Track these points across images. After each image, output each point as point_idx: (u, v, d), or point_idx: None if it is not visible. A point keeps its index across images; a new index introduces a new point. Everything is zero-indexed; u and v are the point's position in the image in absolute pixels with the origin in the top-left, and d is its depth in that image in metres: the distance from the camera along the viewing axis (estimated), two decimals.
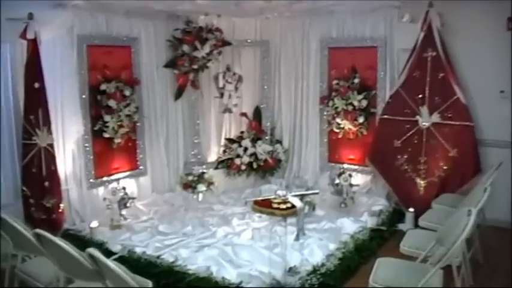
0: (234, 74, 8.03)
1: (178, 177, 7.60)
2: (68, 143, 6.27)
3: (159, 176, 7.56)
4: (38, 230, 3.50)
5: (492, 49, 6.25)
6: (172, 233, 6.12)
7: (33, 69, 5.52)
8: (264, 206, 4.71)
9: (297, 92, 8.00)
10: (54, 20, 5.91)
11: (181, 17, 7.40)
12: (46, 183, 5.67)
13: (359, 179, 7.29)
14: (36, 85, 5.53)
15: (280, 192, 4.69)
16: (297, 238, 4.70)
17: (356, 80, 7.24)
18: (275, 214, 4.59)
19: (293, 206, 4.58)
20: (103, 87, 6.57)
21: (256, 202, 4.81)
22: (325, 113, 7.62)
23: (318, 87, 7.68)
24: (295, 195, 4.74)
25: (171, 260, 5.29)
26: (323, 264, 5.14)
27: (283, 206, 4.56)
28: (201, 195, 7.32)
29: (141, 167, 7.28)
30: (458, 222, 3.78)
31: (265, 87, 8.23)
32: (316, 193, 5.55)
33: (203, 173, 7.49)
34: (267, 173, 8.05)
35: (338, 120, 7.45)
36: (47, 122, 5.67)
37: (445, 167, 6.43)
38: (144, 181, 7.36)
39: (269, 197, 4.77)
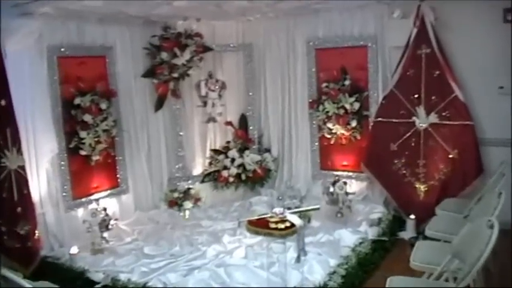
0: (217, 80, 7.67)
1: (163, 193, 7.20)
2: (41, 162, 5.84)
3: (142, 193, 7.20)
4: (3, 272, 3.05)
5: (489, 43, 5.97)
6: (159, 254, 5.74)
7: None
8: (260, 225, 4.33)
9: (284, 97, 7.66)
10: (21, 30, 5.45)
11: (158, 22, 7.03)
12: (19, 209, 5.21)
13: (354, 186, 6.97)
14: (3, 102, 5.05)
15: (277, 210, 4.31)
16: (298, 260, 4.32)
17: (347, 82, 6.93)
18: (273, 235, 4.20)
19: (292, 225, 4.19)
20: (77, 101, 6.17)
21: (250, 222, 4.41)
22: (315, 118, 7.29)
23: (307, 91, 7.35)
24: (294, 212, 4.35)
25: (159, 286, 4.92)
26: (326, 284, 4.77)
27: (281, 226, 4.18)
28: (187, 213, 6.91)
29: (122, 185, 6.89)
30: (479, 235, 3.41)
31: (251, 93, 7.88)
32: (317, 208, 5.13)
33: (189, 188, 7.09)
34: (257, 184, 7.71)
35: (329, 125, 7.12)
36: (17, 142, 5.21)
37: (445, 170, 6.17)
38: (126, 199, 6.96)
39: (265, 216, 4.37)
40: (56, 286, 4.15)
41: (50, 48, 5.91)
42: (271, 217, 4.34)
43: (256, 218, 4.54)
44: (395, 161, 6.43)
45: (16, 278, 2.99)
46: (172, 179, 7.38)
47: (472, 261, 3.31)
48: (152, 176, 7.33)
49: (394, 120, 6.40)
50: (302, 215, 5.40)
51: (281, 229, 4.20)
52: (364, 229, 6.07)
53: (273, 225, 4.25)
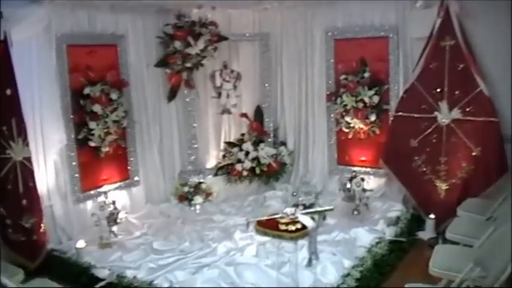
0: (232, 71, 7.49)
1: (173, 187, 7.05)
2: (49, 154, 5.74)
3: (153, 186, 7.07)
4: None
5: None
6: (168, 250, 5.58)
7: (4, 74, 4.92)
8: (269, 227, 4.14)
9: (301, 89, 7.45)
10: (28, 18, 5.30)
11: (172, 10, 6.86)
12: (24, 201, 5.10)
13: (372, 183, 6.74)
14: (8, 92, 4.94)
15: (288, 211, 4.11)
16: (310, 263, 4.12)
17: (366, 74, 6.69)
18: (283, 237, 4.00)
19: (304, 227, 3.98)
20: (87, 90, 6.03)
21: (259, 223, 4.21)
22: (333, 111, 7.07)
23: (324, 83, 7.13)
24: (306, 213, 4.13)
25: (166, 285, 4.76)
26: (339, 287, 4.54)
27: (292, 228, 3.98)
28: (198, 207, 6.77)
29: (133, 177, 6.76)
30: (504, 242, 3.17)
31: (266, 84, 7.67)
32: (331, 209, 4.90)
33: (200, 183, 6.95)
34: (271, 178, 7.51)
35: (347, 118, 6.91)
36: (23, 133, 5.09)
37: (467, 168, 5.91)
38: (137, 192, 6.85)
39: (275, 216, 4.17)
40: (56, 285, 4.00)
41: (59, 36, 5.77)
42: (281, 218, 4.13)
43: (265, 218, 4.34)
44: (416, 158, 6.20)
45: (9, 282, 2.82)
46: (183, 173, 7.23)
47: (496, 273, 3.08)
48: (164, 168, 7.20)
49: (415, 115, 6.17)
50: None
51: (291, 231, 4.00)
52: (381, 228, 5.84)
53: (283, 227, 4.06)
